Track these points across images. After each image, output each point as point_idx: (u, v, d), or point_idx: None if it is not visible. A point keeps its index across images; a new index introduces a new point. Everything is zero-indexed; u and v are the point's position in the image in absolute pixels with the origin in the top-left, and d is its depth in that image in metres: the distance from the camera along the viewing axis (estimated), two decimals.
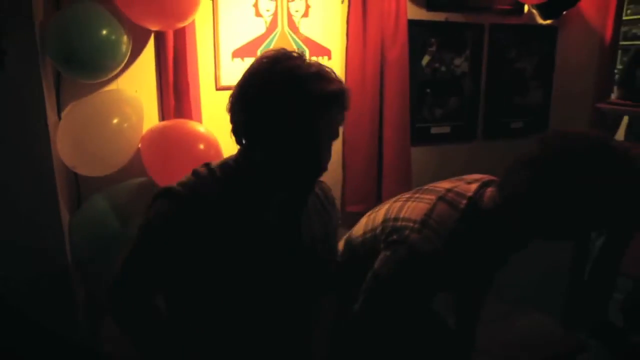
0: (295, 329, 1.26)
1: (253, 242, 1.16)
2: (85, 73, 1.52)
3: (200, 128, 1.69)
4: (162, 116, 1.77)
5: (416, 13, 2.11)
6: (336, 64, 2.03)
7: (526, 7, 2.32)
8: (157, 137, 1.65)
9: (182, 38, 1.69)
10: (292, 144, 1.09)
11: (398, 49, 2.03)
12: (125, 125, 1.59)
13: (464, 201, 1.23)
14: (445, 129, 2.32)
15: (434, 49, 2.18)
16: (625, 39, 2.91)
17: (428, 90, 2.23)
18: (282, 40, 1.90)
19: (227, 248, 1.14)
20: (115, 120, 1.58)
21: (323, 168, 1.13)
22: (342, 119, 1.12)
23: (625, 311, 2.98)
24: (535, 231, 1.18)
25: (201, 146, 1.64)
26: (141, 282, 1.14)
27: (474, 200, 1.22)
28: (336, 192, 1.78)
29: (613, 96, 2.65)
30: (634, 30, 3.77)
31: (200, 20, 1.77)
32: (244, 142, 1.13)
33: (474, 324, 1.59)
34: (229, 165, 1.19)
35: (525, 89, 2.44)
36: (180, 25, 1.63)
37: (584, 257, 2.86)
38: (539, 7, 2.30)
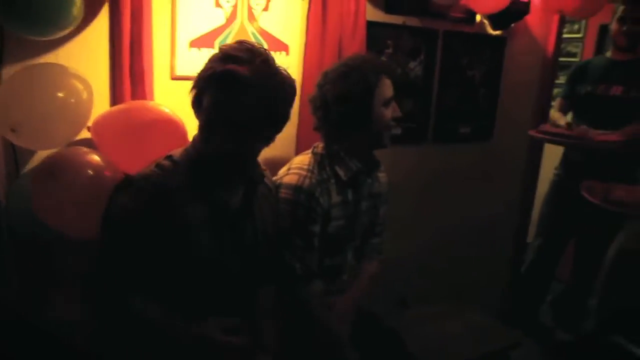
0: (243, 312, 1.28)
1: (217, 230, 1.18)
2: (29, 25, 1.40)
3: (166, 109, 1.63)
4: (114, 101, 1.70)
5: (375, 15, 2.14)
6: (293, 60, 2.03)
7: (478, 17, 2.40)
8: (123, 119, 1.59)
9: (138, 22, 1.64)
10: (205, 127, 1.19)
11: (356, 49, 2.05)
12: (73, 100, 1.49)
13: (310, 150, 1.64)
14: (398, 131, 2.36)
15: (390, 51, 2.22)
16: (560, 56, 3.06)
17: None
18: (240, 32, 1.88)
19: (192, 238, 1.15)
20: (61, 94, 1.47)
21: (219, 152, 1.18)
22: (234, 102, 1.15)
23: (554, 311, 3.16)
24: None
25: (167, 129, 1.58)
26: (122, 279, 1.12)
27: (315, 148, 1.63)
28: None
29: (554, 104, 2.81)
30: (569, 48, 4.00)
31: (158, 5, 1.72)
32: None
33: None
34: (190, 155, 1.19)
35: (475, 95, 2.54)
36: None
37: (520, 257, 3.00)
38: (490, 17, 2.39)
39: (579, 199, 2.73)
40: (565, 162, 2.89)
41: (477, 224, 2.71)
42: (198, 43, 1.81)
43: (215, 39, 1.83)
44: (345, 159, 1.62)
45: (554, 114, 2.79)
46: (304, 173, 1.58)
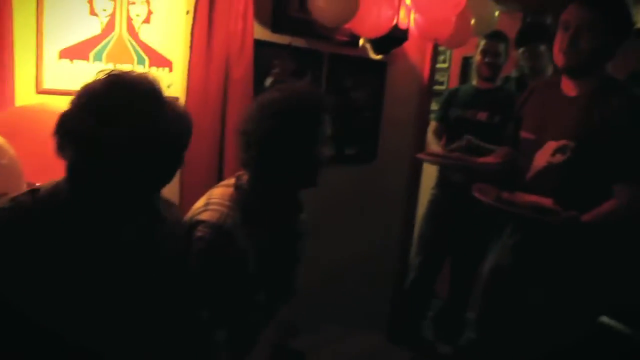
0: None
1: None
2: None
3: None
4: None
5: (262, 34, 2.10)
6: (177, 77, 1.92)
7: (361, 41, 2.47)
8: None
9: None
10: None
11: (243, 67, 1.99)
12: None
13: (232, 182, 1.44)
14: None
15: (277, 71, 2.19)
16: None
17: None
18: (119, 45, 1.73)
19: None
20: None
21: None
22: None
23: (435, 326, 3.30)
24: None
25: None
26: None
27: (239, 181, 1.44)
28: None
29: (429, 129, 2.98)
30: (437, 77, 4.31)
31: (20, 10, 1.52)
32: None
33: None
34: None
35: (359, 118, 2.59)
36: None
37: (404, 276, 3.09)
38: (371, 42, 2.47)
39: (454, 217, 2.92)
40: (441, 182, 3.06)
41: (362, 244, 2.74)
42: (69, 54, 1.63)
43: (90, 51, 1.66)
44: (270, 197, 1.45)
45: (429, 137, 2.97)
46: (223, 210, 1.36)
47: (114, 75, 1.03)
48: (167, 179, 1.15)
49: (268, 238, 1.48)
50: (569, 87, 1.84)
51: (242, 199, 1.40)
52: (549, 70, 2.96)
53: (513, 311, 1.93)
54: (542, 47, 2.93)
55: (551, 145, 1.81)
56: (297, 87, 1.53)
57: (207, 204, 1.38)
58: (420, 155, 2.20)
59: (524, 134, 1.93)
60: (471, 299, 3.04)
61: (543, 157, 1.83)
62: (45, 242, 1.00)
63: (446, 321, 3.26)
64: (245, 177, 1.45)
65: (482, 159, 2.02)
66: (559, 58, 1.78)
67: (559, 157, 1.79)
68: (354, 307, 2.70)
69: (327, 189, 2.52)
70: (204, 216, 1.33)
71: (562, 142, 1.78)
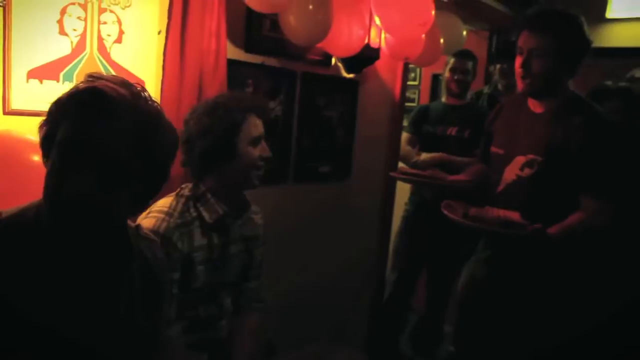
0: None
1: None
2: None
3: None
4: None
5: (235, 53, 2.11)
6: None
7: (333, 60, 2.50)
8: None
9: None
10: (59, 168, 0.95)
11: (216, 87, 1.98)
12: None
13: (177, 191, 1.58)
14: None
15: (250, 90, 2.19)
16: None
17: None
18: (90, 65, 1.71)
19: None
20: None
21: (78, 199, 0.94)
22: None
23: (412, 340, 3.31)
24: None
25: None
26: None
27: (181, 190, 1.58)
28: None
29: (402, 140, 3.02)
30: (408, 94, 4.38)
31: None
32: None
33: None
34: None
35: (332, 136, 2.60)
36: None
37: (381, 292, 3.10)
38: (343, 61, 2.50)
39: (428, 231, 2.94)
40: (414, 198, 3.10)
41: (338, 261, 2.74)
42: (39, 74, 1.60)
43: (60, 71, 1.64)
44: (212, 200, 1.56)
45: (405, 148, 3.01)
46: (162, 216, 1.49)
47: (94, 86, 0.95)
48: (153, 195, 1.10)
49: (210, 240, 1.55)
50: (534, 105, 1.90)
51: (182, 203, 1.54)
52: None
53: (488, 324, 1.95)
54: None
55: (520, 159, 1.86)
56: (229, 93, 1.68)
57: (148, 212, 1.51)
58: (393, 174, 2.22)
59: (493, 149, 1.98)
60: (447, 313, 3.07)
61: (512, 171, 1.87)
62: (13, 264, 0.95)
63: (424, 335, 3.27)
64: (188, 186, 1.59)
65: (453, 177, 2.05)
66: (518, 83, 1.85)
67: (527, 171, 1.83)
68: (333, 324, 2.69)
69: (302, 207, 2.54)
70: (144, 223, 1.43)
71: (530, 156, 1.83)
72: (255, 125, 1.57)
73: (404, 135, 3.05)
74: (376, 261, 3.02)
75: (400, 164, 3.01)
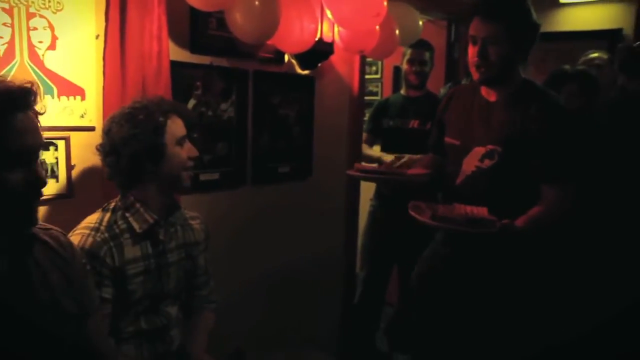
0: None
1: None
2: None
3: None
4: None
5: (180, 55, 2.03)
6: (91, 106, 1.81)
7: (286, 57, 2.43)
8: None
9: None
10: None
11: (161, 90, 1.90)
12: None
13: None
14: (215, 176, 2.24)
15: (199, 92, 2.11)
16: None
17: (195, 135, 2.13)
18: (21, 74, 1.60)
19: None
20: None
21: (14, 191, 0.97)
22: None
23: (389, 336, 3.27)
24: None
25: None
26: None
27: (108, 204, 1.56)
28: None
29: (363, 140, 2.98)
30: (370, 88, 4.35)
31: None
32: None
33: None
34: None
35: (290, 135, 2.54)
36: None
37: (351, 291, 3.05)
38: (297, 57, 2.44)
39: (394, 226, 2.90)
40: (379, 193, 3.06)
41: (305, 263, 2.69)
42: None
43: None
44: (141, 210, 1.52)
45: (365, 151, 2.97)
46: (87, 232, 1.46)
47: None
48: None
49: (144, 250, 1.53)
50: (487, 93, 1.87)
51: (107, 217, 1.51)
52: None
53: (444, 320, 1.93)
54: None
55: (479, 151, 1.82)
56: (144, 98, 1.63)
57: (75, 229, 1.48)
58: (350, 172, 2.13)
59: (448, 140, 1.94)
60: None
61: (471, 163, 1.84)
62: None
63: (399, 330, 3.23)
64: (117, 198, 1.56)
65: (411, 171, 2.01)
66: (473, 72, 1.82)
67: (487, 162, 1.80)
68: (302, 326, 2.63)
69: (263, 210, 2.47)
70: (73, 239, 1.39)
71: (490, 147, 1.79)
72: (179, 125, 1.56)
73: (364, 136, 3.01)
74: (344, 260, 2.97)
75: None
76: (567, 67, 2.60)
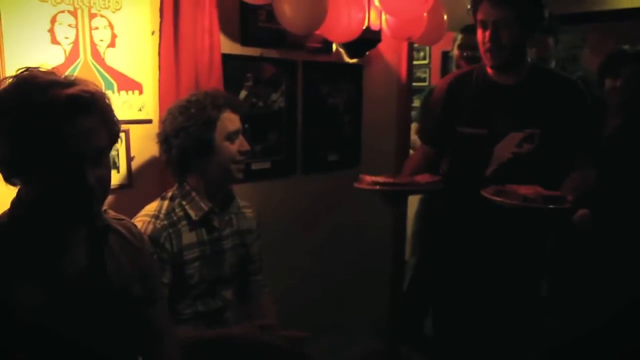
0: None
1: (57, 297, 1.01)
2: None
3: None
4: None
5: (231, 48, 2.09)
6: (148, 99, 1.89)
7: (334, 46, 2.45)
8: None
9: None
10: (42, 168, 0.97)
11: (214, 83, 1.97)
12: None
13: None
14: (266, 165, 2.30)
15: (250, 84, 2.17)
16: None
17: (246, 126, 2.19)
18: (85, 71, 1.71)
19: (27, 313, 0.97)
20: None
21: (89, 189, 1.00)
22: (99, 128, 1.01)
23: None
24: None
25: None
26: None
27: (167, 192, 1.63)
28: None
29: (413, 131, 2.95)
30: (418, 74, 4.30)
31: None
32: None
33: None
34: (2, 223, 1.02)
35: (339, 123, 2.56)
36: None
37: (400, 277, 3.06)
38: (345, 46, 2.45)
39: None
40: None
41: (354, 249, 2.72)
42: None
43: None
44: (196, 198, 1.59)
45: (415, 138, 2.94)
46: (148, 219, 1.54)
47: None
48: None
49: (200, 237, 1.59)
50: (501, 78, 1.85)
51: (165, 205, 1.57)
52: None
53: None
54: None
55: (515, 136, 1.80)
56: (201, 91, 1.68)
57: (135, 217, 1.55)
58: (358, 185, 1.90)
59: (468, 130, 1.88)
60: None
61: (506, 149, 1.81)
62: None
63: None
64: (174, 188, 1.62)
65: (420, 178, 1.85)
66: (486, 57, 1.81)
67: (526, 147, 1.78)
68: (353, 313, 2.67)
69: (313, 198, 2.51)
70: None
71: (528, 131, 1.78)
72: (231, 120, 1.61)
73: (414, 126, 2.97)
74: (393, 246, 2.97)
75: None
76: (626, 47, 2.50)
